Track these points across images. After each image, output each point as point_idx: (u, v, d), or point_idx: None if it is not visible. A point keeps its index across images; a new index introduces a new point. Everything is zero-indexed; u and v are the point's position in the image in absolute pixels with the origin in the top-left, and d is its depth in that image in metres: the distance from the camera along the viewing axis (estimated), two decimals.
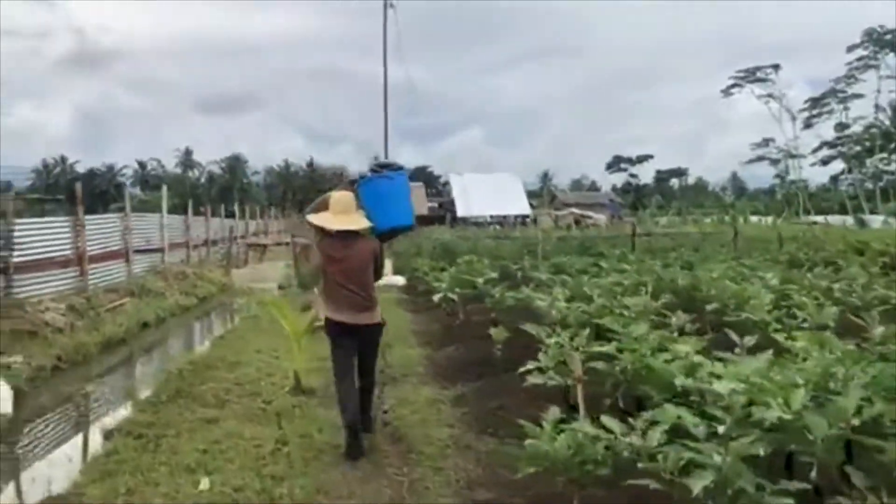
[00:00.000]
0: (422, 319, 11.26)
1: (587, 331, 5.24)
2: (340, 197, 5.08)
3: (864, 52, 65.91)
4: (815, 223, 50.73)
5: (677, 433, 3.16)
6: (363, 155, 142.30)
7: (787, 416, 3.09)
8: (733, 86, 74.42)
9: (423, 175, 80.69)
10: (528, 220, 48.13)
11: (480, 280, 8.98)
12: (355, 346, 5.06)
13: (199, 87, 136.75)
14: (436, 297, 9.50)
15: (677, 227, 30.60)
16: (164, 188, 20.65)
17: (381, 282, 5.71)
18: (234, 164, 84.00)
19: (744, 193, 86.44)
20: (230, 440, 5.31)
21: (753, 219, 53.26)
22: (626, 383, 4.43)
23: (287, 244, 23.43)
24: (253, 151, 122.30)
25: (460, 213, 49.85)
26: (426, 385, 6.98)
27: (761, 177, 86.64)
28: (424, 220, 41.94)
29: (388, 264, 13.02)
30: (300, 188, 76.64)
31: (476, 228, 38.61)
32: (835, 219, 52.43)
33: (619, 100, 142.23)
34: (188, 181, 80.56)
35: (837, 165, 76.74)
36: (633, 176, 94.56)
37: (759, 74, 71.59)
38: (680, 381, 3.80)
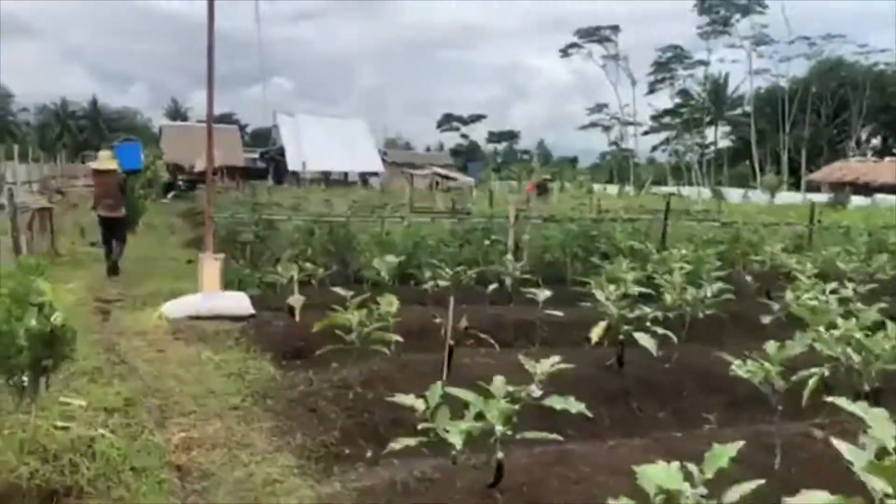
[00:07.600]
0: None
1: None
2: (104, 153, 11.55)
3: (716, 17, 61.50)
4: (671, 194, 48.19)
5: None
6: (157, 97, 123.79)
7: None
8: (572, 45, 70.80)
9: (227, 123, 68.86)
10: (375, 178, 39.04)
11: None
12: (109, 226, 10.83)
13: None
14: None
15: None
16: None
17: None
18: None
19: (548, 161, 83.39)
20: None
21: (597, 187, 50.05)
22: None
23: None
24: (21, 84, 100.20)
25: (292, 166, 38.48)
26: None
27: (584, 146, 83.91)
28: (240, 174, 32.22)
29: (210, 269, 7.80)
30: (81, 130, 62.39)
31: (313, 188, 30.12)
32: (690, 190, 50.37)
33: (441, 58, 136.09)
34: None
35: (660, 136, 76.33)
36: (464, 136, 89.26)
37: (599, 35, 68.27)
38: None
